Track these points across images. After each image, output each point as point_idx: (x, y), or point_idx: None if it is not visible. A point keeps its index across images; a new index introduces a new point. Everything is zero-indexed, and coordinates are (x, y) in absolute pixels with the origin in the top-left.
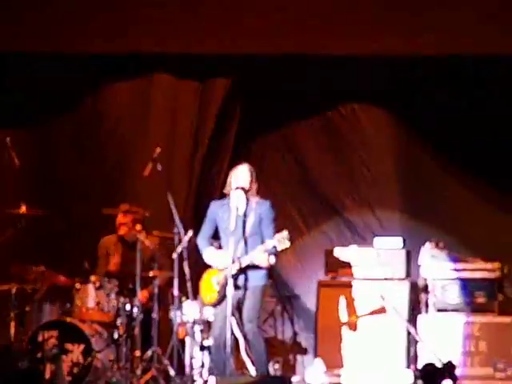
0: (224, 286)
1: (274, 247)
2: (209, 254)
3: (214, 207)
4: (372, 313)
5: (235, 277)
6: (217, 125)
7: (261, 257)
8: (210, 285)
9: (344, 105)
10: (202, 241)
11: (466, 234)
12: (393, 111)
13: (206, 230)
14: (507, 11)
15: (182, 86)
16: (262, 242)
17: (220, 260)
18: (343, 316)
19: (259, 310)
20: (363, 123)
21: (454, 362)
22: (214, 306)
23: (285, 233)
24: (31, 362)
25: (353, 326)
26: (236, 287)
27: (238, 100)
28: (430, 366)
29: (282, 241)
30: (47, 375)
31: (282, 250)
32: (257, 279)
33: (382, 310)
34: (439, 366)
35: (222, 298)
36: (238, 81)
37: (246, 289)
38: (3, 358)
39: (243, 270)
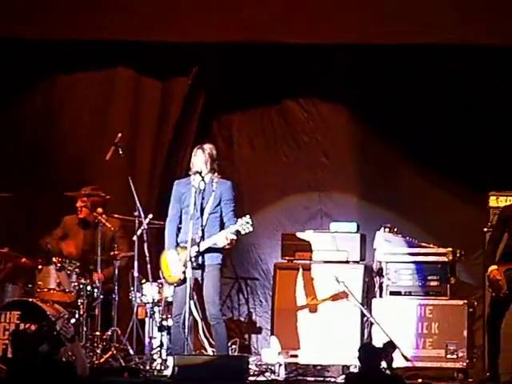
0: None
1: (237, 231)
2: (170, 257)
3: (178, 186)
4: (330, 298)
5: (194, 258)
6: (181, 113)
7: (222, 240)
8: (170, 264)
9: (304, 97)
10: (170, 228)
11: (420, 220)
12: (351, 103)
13: (175, 212)
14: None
15: (145, 80)
16: (221, 221)
17: (176, 267)
18: (301, 298)
19: (219, 289)
20: (322, 114)
21: (393, 343)
22: (179, 285)
23: (247, 217)
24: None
25: (312, 308)
26: (194, 268)
27: (201, 88)
28: (366, 347)
29: (245, 225)
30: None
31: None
32: (213, 258)
33: (340, 296)
34: (377, 346)
35: (185, 279)
36: (201, 69)
37: (203, 269)
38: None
39: (202, 252)
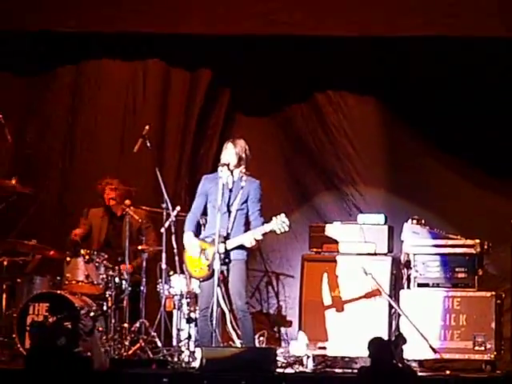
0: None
1: (273, 231)
2: (186, 238)
3: (206, 181)
4: (364, 296)
5: (221, 254)
6: (204, 104)
7: (249, 240)
8: (197, 258)
9: (333, 89)
10: (189, 219)
11: (448, 212)
12: (378, 96)
13: (197, 205)
14: None
15: (174, 71)
16: (247, 219)
17: (192, 250)
18: (329, 290)
19: (245, 283)
20: (350, 107)
21: (403, 336)
22: (204, 280)
23: (283, 216)
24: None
25: (340, 300)
26: (221, 264)
27: (227, 81)
28: (375, 340)
29: (280, 224)
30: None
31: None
32: (239, 254)
33: (374, 294)
34: (387, 339)
35: (212, 272)
36: (227, 62)
37: (229, 262)
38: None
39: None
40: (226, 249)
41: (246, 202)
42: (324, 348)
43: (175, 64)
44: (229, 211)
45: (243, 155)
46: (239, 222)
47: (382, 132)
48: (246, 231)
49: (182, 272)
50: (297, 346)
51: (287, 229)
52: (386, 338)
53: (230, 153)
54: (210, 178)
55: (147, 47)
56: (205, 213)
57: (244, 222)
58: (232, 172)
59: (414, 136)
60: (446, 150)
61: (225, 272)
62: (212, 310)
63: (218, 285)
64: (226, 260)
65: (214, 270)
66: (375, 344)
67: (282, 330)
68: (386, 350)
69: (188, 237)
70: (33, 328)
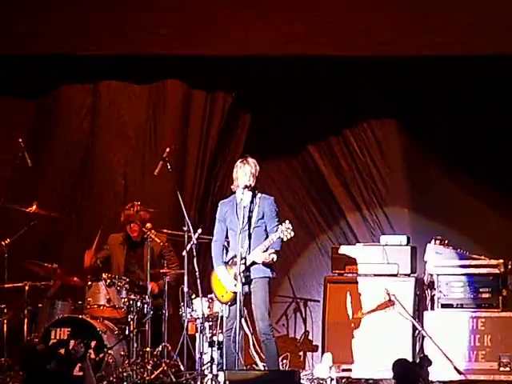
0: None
1: (280, 239)
2: (220, 273)
3: (222, 207)
4: (377, 308)
5: (244, 273)
6: (222, 129)
7: (258, 256)
8: (222, 283)
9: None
10: (216, 248)
11: (471, 232)
12: (400, 119)
13: (219, 231)
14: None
15: (194, 93)
16: (267, 236)
17: (228, 282)
18: (352, 312)
19: (268, 303)
20: (373, 129)
21: (428, 358)
22: (232, 304)
23: (287, 223)
24: (59, 364)
25: (363, 322)
26: (243, 283)
27: (247, 109)
28: (400, 362)
29: (285, 231)
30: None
31: (289, 240)
32: (260, 271)
33: (387, 305)
34: (412, 361)
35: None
36: (247, 89)
37: (251, 282)
38: (30, 360)
39: (249, 266)
40: (245, 265)
41: (261, 218)
42: (349, 370)
43: (195, 85)
44: (248, 231)
45: (257, 174)
46: (257, 240)
47: (404, 153)
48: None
49: (204, 295)
50: (321, 369)
51: (292, 234)
52: (410, 359)
53: (247, 173)
54: (226, 202)
55: (167, 68)
56: (227, 236)
57: (263, 239)
58: (253, 191)
59: (434, 159)
60: (467, 171)
61: (248, 293)
62: (235, 332)
63: (241, 308)
64: (248, 277)
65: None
66: (400, 365)
67: (308, 353)
68: (410, 371)
69: (221, 270)
70: (23, 352)
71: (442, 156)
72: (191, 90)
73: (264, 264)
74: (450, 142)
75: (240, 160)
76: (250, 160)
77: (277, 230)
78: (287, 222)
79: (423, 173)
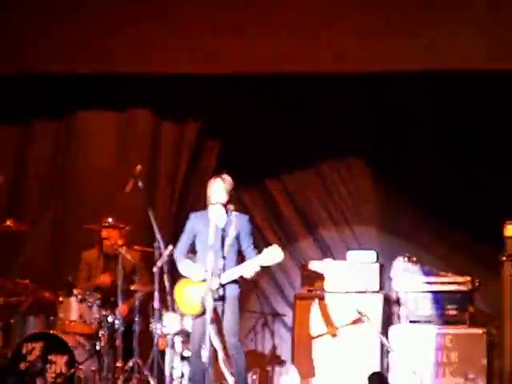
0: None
1: (267, 262)
2: (185, 266)
3: (194, 219)
4: (350, 323)
5: (217, 291)
6: (192, 158)
7: (250, 271)
8: (187, 296)
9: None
10: (179, 253)
11: (437, 250)
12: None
13: (184, 241)
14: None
15: (163, 123)
16: (238, 255)
17: (196, 273)
18: (320, 328)
19: (238, 321)
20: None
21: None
22: (196, 317)
23: (276, 246)
24: (17, 379)
25: (331, 338)
26: (215, 299)
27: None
28: (376, 375)
29: (273, 255)
30: None
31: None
32: (233, 289)
33: (359, 321)
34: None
35: (204, 309)
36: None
37: (223, 300)
38: None
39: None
40: (220, 284)
41: (237, 237)
42: None
43: (164, 115)
44: (221, 249)
45: (230, 189)
46: (231, 258)
47: (373, 177)
48: (237, 266)
49: (175, 311)
50: (288, 382)
51: (280, 258)
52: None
53: (220, 189)
54: (198, 215)
55: (135, 96)
56: (191, 251)
57: (236, 257)
58: (226, 208)
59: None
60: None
61: (218, 310)
62: (204, 348)
63: (211, 322)
64: (221, 295)
65: (204, 307)
66: (375, 379)
67: (277, 368)
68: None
69: (185, 263)
70: None
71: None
72: (160, 120)
73: (234, 281)
74: (415, 170)
75: (214, 176)
76: (224, 176)
77: (254, 248)
78: (276, 245)
79: (392, 194)
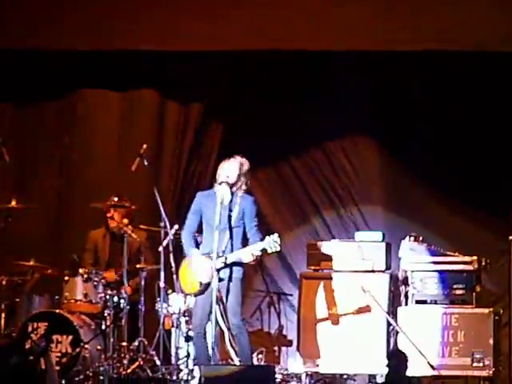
0: (208, 278)
1: (264, 250)
2: (194, 256)
3: (200, 198)
4: (354, 312)
5: (219, 270)
6: (196, 138)
7: (248, 256)
8: (189, 275)
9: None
10: (187, 236)
11: (445, 229)
12: (377, 135)
13: (192, 222)
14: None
15: (168, 103)
16: (245, 235)
17: (200, 271)
18: (326, 307)
19: (241, 302)
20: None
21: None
22: (196, 295)
23: (276, 236)
24: (21, 357)
25: (338, 318)
26: (219, 279)
27: (219, 119)
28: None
29: (272, 244)
30: (39, 367)
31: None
32: (236, 271)
33: (368, 305)
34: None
35: (205, 288)
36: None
37: (229, 280)
38: None
39: (229, 265)
40: (225, 264)
41: (242, 218)
42: (324, 365)
43: (169, 96)
44: (227, 229)
45: (243, 172)
46: (237, 240)
47: (380, 154)
48: (243, 248)
49: (178, 290)
50: (295, 364)
51: (278, 249)
52: (384, 354)
53: (230, 169)
54: (205, 194)
55: (141, 76)
56: (199, 230)
57: (241, 238)
58: (231, 189)
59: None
60: (442, 172)
61: (222, 290)
62: (206, 326)
63: (217, 303)
64: (225, 275)
65: (205, 286)
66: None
67: (283, 348)
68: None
69: (194, 252)
70: None
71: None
72: (166, 100)
73: (238, 263)
74: (423, 149)
75: (229, 156)
76: (238, 157)
77: (258, 231)
78: (276, 234)
79: (398, 171)
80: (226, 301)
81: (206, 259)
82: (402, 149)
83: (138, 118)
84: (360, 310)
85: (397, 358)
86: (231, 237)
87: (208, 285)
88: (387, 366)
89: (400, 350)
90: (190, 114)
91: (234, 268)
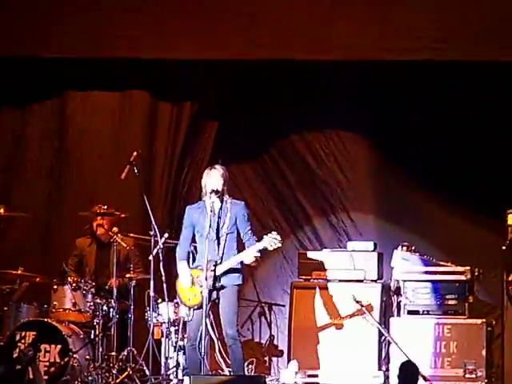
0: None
1: (265, 248)
2: (180, 268)
3: (190, 211)
4: (350, 316)
5: (214, 279)
6: (188, 137)
7: (249, 257)
8: (190, 288)
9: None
10: (180, 250)
11: (437, 239)
12: (368, 132)
13: (185, 236)
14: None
15: (160, 104)
16: (238, 242)
17: (185, 279)
18: (318, 317)
19: (237, 312)
20: (341, 138)
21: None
22: (198, 308)
23: (274, 233)
24: (8, 367)
25: (330, 328)
26: (214, 288)
27: (213, 118)
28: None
29: (272, 241)
30: (27, 377)
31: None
32: (231, 279)
33: (359, 314)
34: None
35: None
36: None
37: (222, 289)
38: None
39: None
40: (216, 274)
41: (234, 224)
42: (315, 376)
43: (160, 96)
44: (218, 237)
45: (225, 179)
46: (230, 246)
47: (373, 163)
48: (238, 253)
49: (170, 300)
50: (287, 374)
51: (279, 245)
52: (376, 365)
53: (216, 178)
54: (194, 207)
55: (131, 77)
56: (194, 242)
57: (235, 245)
58: (219, 197)
59: (403, 168)
60: (433, 179)
61: (216, 299)
62: (201, 337)
63: (207, 314)
64: (219, 284)
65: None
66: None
67: (274, 358)
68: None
69: (182, 266)
70: None
71: (410, 167)
72: (157, 101)
73: (236, 271)
74: (415, 156)
75: (208, 167)
76: (218, 166)
77: (253, 234)
78: (274, 232)
79: (390, 179)
80: (220, 311)
81: (199, 273)
82: (395, 156)
83: (130, 119)
84: (354, 316)
85: (406, 371)
86: (222, 245)
87: (209, 293)
88: (397, 377)
89: (411, 362)
90: (181, 115)
91: (229, 276)
